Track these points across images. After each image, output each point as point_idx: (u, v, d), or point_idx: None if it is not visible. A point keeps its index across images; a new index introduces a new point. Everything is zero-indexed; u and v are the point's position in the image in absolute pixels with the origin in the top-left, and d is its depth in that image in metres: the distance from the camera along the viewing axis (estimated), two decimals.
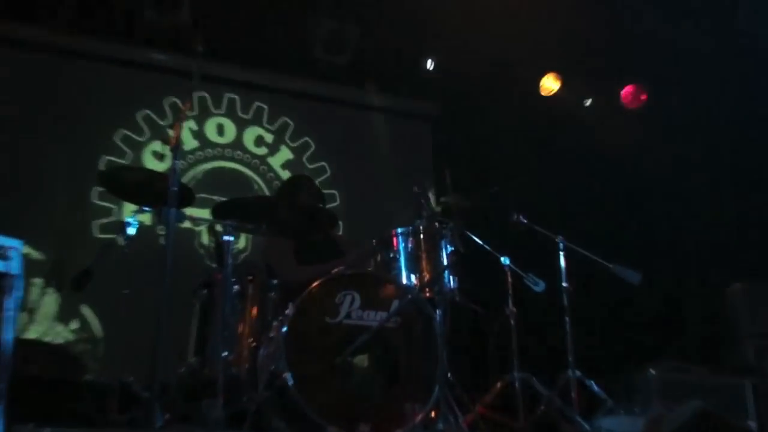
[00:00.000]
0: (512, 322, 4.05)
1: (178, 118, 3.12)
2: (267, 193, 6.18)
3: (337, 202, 6.46)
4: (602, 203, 6.28)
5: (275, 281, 3.87)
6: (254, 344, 3.61)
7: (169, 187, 2.93)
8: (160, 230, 5.62)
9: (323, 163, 6.55)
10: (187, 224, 5.56)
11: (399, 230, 3.81)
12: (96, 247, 5.13)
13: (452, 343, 3.62)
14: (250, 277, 3.79)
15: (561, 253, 4.26)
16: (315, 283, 3.29)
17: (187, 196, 3.79)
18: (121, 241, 3.90)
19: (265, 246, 4.55)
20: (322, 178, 6.48)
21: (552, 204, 5.69)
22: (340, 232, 6.14)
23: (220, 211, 3.64)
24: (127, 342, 4.72)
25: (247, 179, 6.21)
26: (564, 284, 4.16)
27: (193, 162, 6.04)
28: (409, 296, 3.34)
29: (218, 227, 3.99)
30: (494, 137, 6.55)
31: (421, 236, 3.77)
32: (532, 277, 3.97)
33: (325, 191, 6.01)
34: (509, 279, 4.09)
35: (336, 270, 3.43)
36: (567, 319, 4.09)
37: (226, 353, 3.34)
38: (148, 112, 5.96)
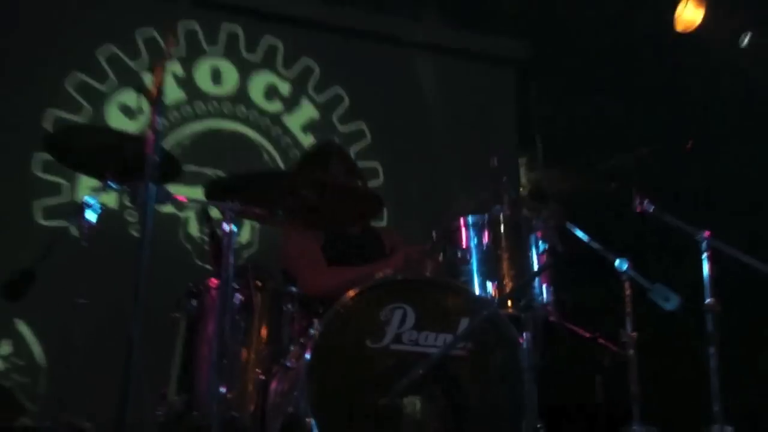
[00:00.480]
0: (631, 351, 4.03)
1: (160, 58, 3.18)
2: (282, 165, 6.25)
3: (380, 180, 6.54)
4: (766, 187, 6.21)
5: (294, 288, 3.92)
6: (263, 377, 3.67)
7: (147, 155, 2.99)
8: (132, 216, 5.75)
9: (361, 125, 6.61)
10: (169, 208, 5.72)
11: (470, 219, 3.83)
12: (39, 238, 5.25)
13: (544, 381, 3.63)
14: (259, 283, 3.85)
15: (704, 256, 4.22)
16: (351, 293, 3.34)
17: (170, 168, 3.89)
18: (74, 230, 4.01)
19: (283, 240, 4.62)
20: (359, 145, 6.55)
21: (691, 186, 5.65)
22: (384, 222, 6.21)
23: (216, 191, 3.71)
24: (81, 373, 4.82)
25: (254, 146, 6.32)
26: (708, 300, 4.13)
27: (177, 121, 6.16)
28: (485, 313, 3.36)
29: (214, 213, 4.08)
30: (605, 91, 6.52)
31: (502, 228, 3.80)
32: (661, 288, 3.94)
33: (363, 164, 6.10)
34: (627, 291, 4.07)
35: (380, 275, 3.46)
36: (712, 350, 4.06)
37: (223, 389, 3.40)
38: (113, 49, 6.07)
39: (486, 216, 3.85)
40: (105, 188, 3.79)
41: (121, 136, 3.82)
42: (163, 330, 3.97)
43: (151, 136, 3.05)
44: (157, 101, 3.09)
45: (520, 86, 6.98)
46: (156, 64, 3.17)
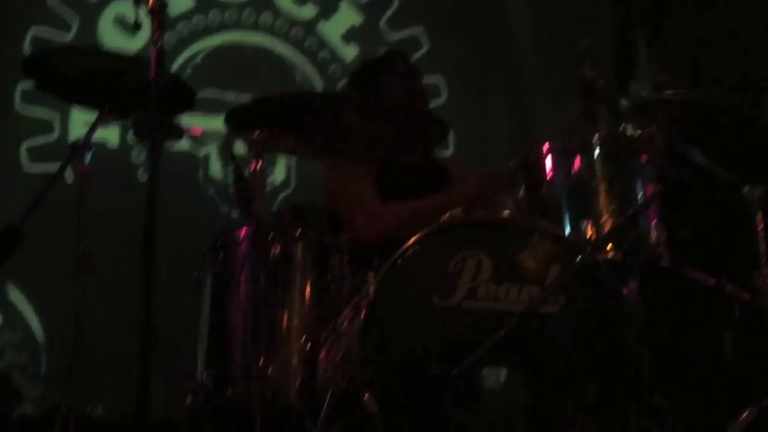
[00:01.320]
0: (766, 302, 4.03)
1: None
2: (319, 85, 6.29)
3: (442, 98, 6.54)
4: None
5: (343, 236, 3.97)
6: (310, 345, 3.73)
7: (152, 81, 3.02)
8: (139, 157, 5.83)
9: (416, 30, 6.61)
10: (184, 144, 5.79)
11: (555, 144, 3.83)
12: (27, 186, 5.35)
13: (659, 342, 3.64)
14: (299, 231, 3.90)
15: None
16: (413, 238, 3.37)
17: (181, 96, 3.94)
18: (69, 176, 4.08)
19: (325, 176, 4.65)
20: (416, 56, 6.54)
21: None
22: (450, 151, 6.24)
23: (238, 120, 3.75)
24: (88, 349, 4.93)
25: (284, 62, 6.35)
26: None
27: (187, 36, 6.20)
28: (580, 258, 3.37)
29: (238, 148, 4.12)
30: None
31: (597, 152, 3.79)
32: None
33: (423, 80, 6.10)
34: (760, 225, 4.05)
35: (448, 215, 3.48)
36: None
37: (261, 362, 3.47)
38: None
39: (576, 138, 3.83)
40: (102, 123, 3.86)
41: (118, 58, 3.87)
42: (186, 294, 4.07)
43: (154, 56, 3.05)
44: (161, 12, 3.07)
45: None
46: None
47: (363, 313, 3.31)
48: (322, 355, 3.67)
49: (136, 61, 3.71)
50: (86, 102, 4.16)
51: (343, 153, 4.11)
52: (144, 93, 3.04)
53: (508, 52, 6.65)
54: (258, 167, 3.55)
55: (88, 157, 3.84)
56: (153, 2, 3.09)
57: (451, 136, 6.31)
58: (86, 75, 3.85)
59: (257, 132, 3.56)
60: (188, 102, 4.06)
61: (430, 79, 6.46)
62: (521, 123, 6.33)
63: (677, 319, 4.64)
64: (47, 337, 5.57)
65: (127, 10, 5.94)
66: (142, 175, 5.84)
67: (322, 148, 3.82)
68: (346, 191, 4.46)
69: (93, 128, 3.85)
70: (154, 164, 2.90)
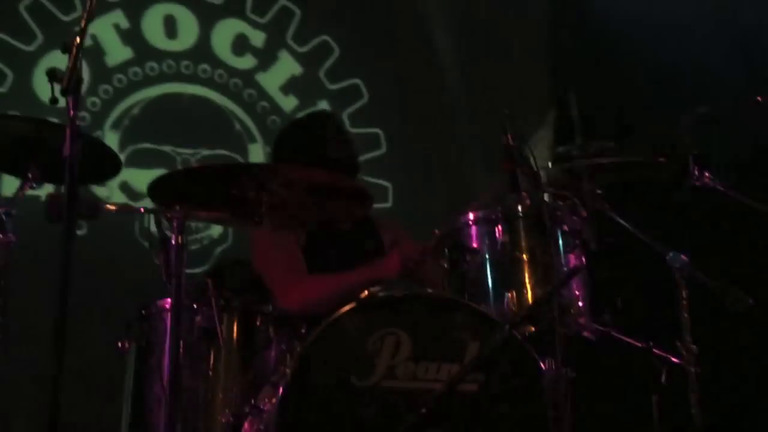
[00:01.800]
0: (692, 369, 4.04)
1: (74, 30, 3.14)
2: (258, 135, 6.25)
3: (381, 150, 6.56)
4: None
5: (270, 306, 3.96)
6: (233, 420, 3.70)
7: (67, 162, 2.98)
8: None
9: (355, 81, 6.62)
10: (119, 196, 5.77)
11: (479, 213, 3.83)
12: None
13: (588, 415, 3.64)
14: (223, 302, 3.87)
15: None
16: (332, 317, 3.36)
17: (106, 165, 3.92)
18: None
19: (252, 241, 4.63)
20: (355, 106, 6.55)
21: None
22: (389, 203, 6.25)
23: (160, 192, 3.73)
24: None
25: (223, 113, 6.33)
26: None
27: (124, 86, 6.16)
28: (499, 335, 3.36)
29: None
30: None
31: (521, 223, 3.79)
32: (726, 288, 3.95)
33: (361, 130, 6.14)
34: (684, 293, 4.08)
35: (366, 292, 3.47)
36: None
37: None
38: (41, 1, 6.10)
39: (500, 208, 3.83)
40: (27, 189, 3.82)
41: (40, 124, 3.82)
42: (111, 360, 4.04)
43: (68, 135, 3.00)
44: (73, 89, 3.03)
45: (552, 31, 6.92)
46: (70, 39, 3.09)
47: (281, 392, 3.28)
48: (245, 427, 3.64)
49: (59, 128, 3.65)
50: (8, 169, 4.13)
51: (269, 222, 4.08)
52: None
53: (444, 106, 6.63)
54: (179, 241, 3.51)
55: (9, 226, 3.78)
56: (66, 82, 3.00)
57: (389, 189, 6.34)
58: (8, 142, 3.80)
59: (176, 207, 3.52)
60: (113, 169, 4.06)
61: (369, 130, 6.50)
62: (460, 176, 6.32)
63: (605, 386, 4.66)
64: None
65: (63, 63, 5.99)
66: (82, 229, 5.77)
67: (245, 219, 3.76)
68: (273, 260, 4.42)
69: (15, 197, 3.80)
70: (67, 251, 2.84)
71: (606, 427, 4.80)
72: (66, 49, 3.07)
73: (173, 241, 3.52)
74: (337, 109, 6.45)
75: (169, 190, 3.74)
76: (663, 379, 4.22)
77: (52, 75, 3.11)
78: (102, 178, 4.37)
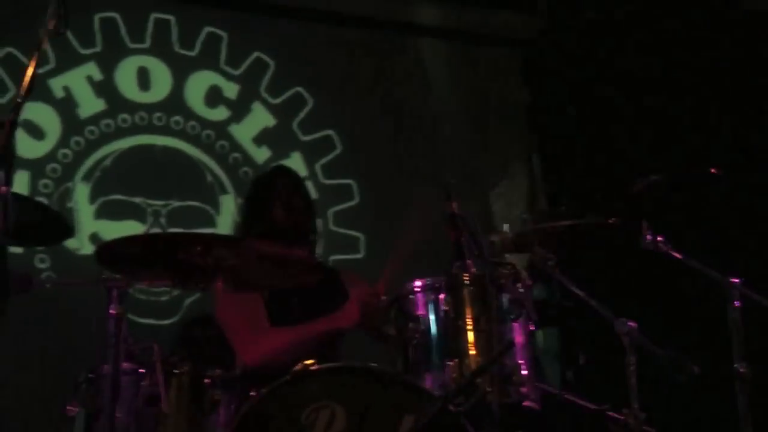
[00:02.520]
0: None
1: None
2: (230, 187, 6.27)
3: (354, 201, 6.58)
4: None
5: (217, 370, 3.94)
6: None
7: None
8: (43, 262, 5.82)
9: (329, 132, 6.66)
10: (87, 248, 5.78)
11: (424, 281, 3.82)
12: None
13: None
14: (169, 367, 3.86)
15: (734, 307, 4.22)
16: (266, 389, 3.39)
17: (59, 229, 3.94)
18: None
19: (214, 298, 4.62)
20: (328, 157, 6.57)
21: (720, 217, 5.59)
22: (362, 253, 6.25)
23: (107, 258, 3.74)
24: None
25: (195, 165, 6.35)
26: (736, 365, 4.12)
27: (96, 137, 6.19)
28: (433, 408, 3.35)
29: None
30: (642, 82, 6.46)
31: (465, 291, 3.78)
32: (671, 356, 3.94)
33: (334, 181, 6.16)
34: (631, 359, 4.07)
35: (300, 365, 3.47)
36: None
37: None
38: (10, 50, 6.12)
39: (444, 276, 3.82)
40: None
41: None
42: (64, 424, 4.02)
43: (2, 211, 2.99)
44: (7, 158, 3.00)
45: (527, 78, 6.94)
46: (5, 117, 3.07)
47: None
48: None
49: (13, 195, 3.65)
50: None
51: (221, 284, 4.10)
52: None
53: (416, 157, 6.65)
54: (119, 312, 3.53)
55: None
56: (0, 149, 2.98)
57: (361, 239, 6.36)
58: None
59: (116, 274, 3.53)
60: (63, 233, 4.09)
61: (341, 181, 6.52)
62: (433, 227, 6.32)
63: None
64: None
65: (36, 114, 6.04)
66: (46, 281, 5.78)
67: (192, 284, 3.77)
68: (231, 316, 4.43)
69: None
70: None
71: None
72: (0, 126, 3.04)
73: (112, 311, 3.53)
74: (310, 160, 6.49)
75: (115, 257, 3.73)
76: None
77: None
78: (52, 241, 4.38)
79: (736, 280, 4.23)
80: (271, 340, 4.31)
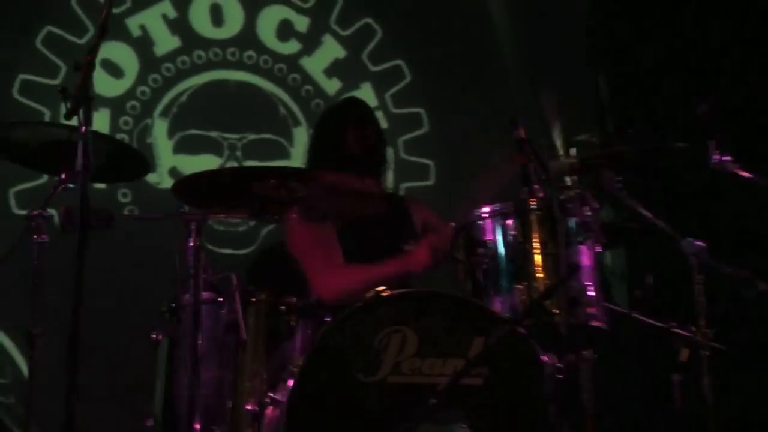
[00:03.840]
0: (705, 353, 4.04)
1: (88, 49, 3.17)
2: (302, 119, 6.30)
3: (424, 128, 6.57)
4: None
5: (293, 298, 4.00)
6: (257, 409, 3.77)
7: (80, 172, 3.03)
8: (125, 196, 5.93)
9: (398, 62, 6.65)
10: (166, 182, 5.87)
11: (492, 207, 3.85)
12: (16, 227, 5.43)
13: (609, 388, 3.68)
14: (246, 295, 3.93)
15: None
16: (340, 316, 3.46)
17: (135, 164, 4.02)
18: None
19: (287, 233, 4.66)
20: (398, 87, 6.58)
21: None
22: (432, 181, 6.28)
23: (185, 192, 3.80)
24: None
25: (268, 98, 6.39)
26: None
27: (173, 75, 6.24)
28: (501, 330, 3.39)
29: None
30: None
31: (533, 216, 3.79)
32: (739, 274, 3.93)
33: (405, 110, 6.30)
34: (698, 279, 4.07)
35: (373, 292, 3.52)
36: None
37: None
38: None
39: (512, 201, 3.84)
40: (59, 190, 3.90)
41: (72, 130, 3.88)
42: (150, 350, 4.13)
43: (82, 148, 3.04)
44: (83, 106, 3.04)
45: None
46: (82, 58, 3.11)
47: (291, 386, 3.38)
48: (267, 415, 3.71)
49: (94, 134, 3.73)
50: (45, 170, 4.24)
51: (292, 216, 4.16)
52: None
53: (486, 86, 6.61)
54: (197, 244, 3.59)
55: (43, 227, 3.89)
56: (73, 102, 3.03)
57: (432, 167, 6.38)
58: (44, 146, 3.89)
59: (192, 208, 3.59)
60: (142, 169, 4.17)
61: (412, 110, 6.54)
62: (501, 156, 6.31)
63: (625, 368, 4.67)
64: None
65: (114, 53, 6.11)
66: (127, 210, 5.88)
67: (266, 217, 3.83)
68: (306, 250, 4.46)
69: (48, 200, 3.89)
70: (80, 260, 2.90)
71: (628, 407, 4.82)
72: (77, 67, 3.09)
73: (190, 243, 3.60)
74: (379, 90, 6.50)
75: (192, 191, 3.80)
76: (682, 357, 4.22)
77: (63, 93, 3.18)
78: (132, 177, 4.46)
79: None
80: (345, 278, 4.33)
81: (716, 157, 4.31)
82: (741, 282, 4.01)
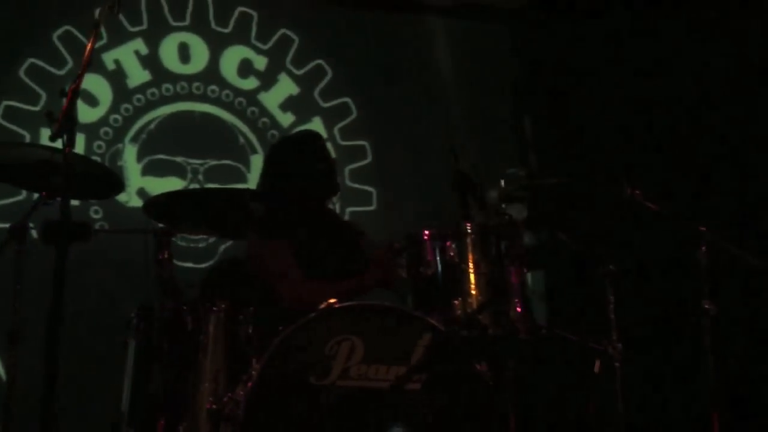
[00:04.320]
0: (616, 364, 4.08)
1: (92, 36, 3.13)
2: (259, 148, 6.29)
3: (368, 159, 6.56)
4: None
5: (249, 309, 3.95)
6: (216, 407, 3.72)
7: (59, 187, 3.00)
8: (96, 213, 5.85)
9: (346, 99, 6.66)
10: (135, 201, 5.81)
11: (433, 231, 3.84)
12: None
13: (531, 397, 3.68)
14: (209, 305, 3.89)
15: (702, 251, 4.22)
16: (294, 325, 3.42)
17: (109, 183, 3.97)
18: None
19: (249, 251, 4.55)
20: (345, 121, 6.58)
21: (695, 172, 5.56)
22: (374, 205, 6.27)
23: (156, 208, 3.75)
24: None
25: (228, 128, 6.34)
26: (706, 305, 4.14)
27: (143, 105, 6.18)
28: (441, 340, 3.39)
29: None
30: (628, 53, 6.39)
31: (468, 239, 3.79)
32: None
33: (351, 142, 6.31)
34: (610, 298, 4.11)
35: (325, 303, 3.50)
36: (711, 362, 4.09)
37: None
38: (69, 28, 6.11)
39: (451, 225, 3.84)
40: (39, 207, 3.84)
41: (54, 151, 3.83)
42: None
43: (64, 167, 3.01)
44: (65, 129, 3.00)
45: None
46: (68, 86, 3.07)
47: (249, 387, 3.34)
48: (225, 414, 3.65)
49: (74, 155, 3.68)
50: (26, 186, 4.20)
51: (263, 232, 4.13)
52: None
53: (425, 120, 6.66)
54: (165, 256, 3.55)
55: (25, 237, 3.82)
56: (57, 126, 2.99)
57: (374, 194, 6.40)
58: (29, 165, 3.85)
59: (159, 225, 3.55)
60: (115, 188, 4.12)
61: (357, 142, 6.55)
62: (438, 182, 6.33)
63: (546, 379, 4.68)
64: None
65: (90, 84, 6.04)
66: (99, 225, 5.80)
67: (230, 233, 3.80)
68: (270, 267, 4.37)
69: (29, 213, 3.82)
70: (59, 269, 2.85)
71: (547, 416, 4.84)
72: (63, 94, 3.06)
73: (159, 256, 3.56)
74: (329, 124, 6.51)
75: (160, 209, 3.76)
76: (595, 369, 4.25)
77: (49, 117, 3.13)
78: (107, 194, 4.40)
79: (704, 228, 4.24)
80: (316, 292, 4.23)
81: (628, 191, 4.36)
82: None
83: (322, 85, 6.60)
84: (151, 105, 6.22)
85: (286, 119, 6.46)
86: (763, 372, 4.92)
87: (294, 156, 4.57)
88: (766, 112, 5.40)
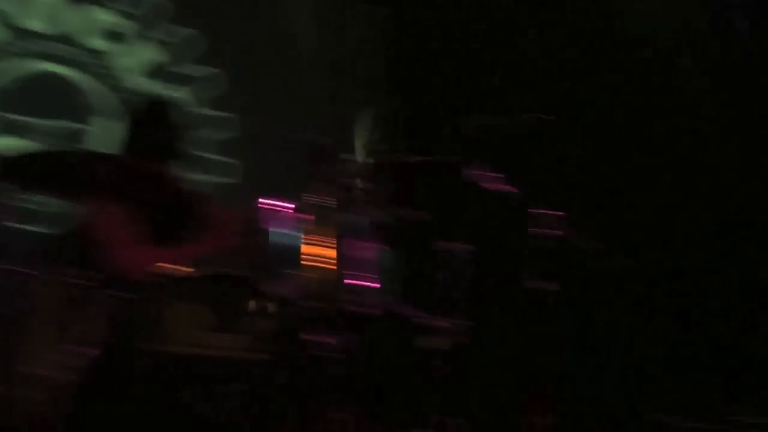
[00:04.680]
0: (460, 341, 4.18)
1: None
2: (109, 111, 6.18)
3: (234, 132, 6.57)
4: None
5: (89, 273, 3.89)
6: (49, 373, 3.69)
7: None
8: None
9: (214, 70, 6.62)
10: None
11: (277, 202, 3.87)
12: None
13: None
14: (44, 271, 3.85)
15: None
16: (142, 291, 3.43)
17: None
18: None
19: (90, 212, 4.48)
20: (213, 92, 6.54)
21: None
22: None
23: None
24: None
25: (79, 92, 6.21)
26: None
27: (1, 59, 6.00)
28: (281, 312, 3.39)
29: None
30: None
31: (313, 211, 3.83)
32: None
33: (217, 113, 6.33)
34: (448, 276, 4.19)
35: (167, 271, 3.50)
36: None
37: None
38: None
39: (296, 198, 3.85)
40: None
41: None
42: None
43: None
44: None
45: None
46: None
47: (89, 354, 3.35)
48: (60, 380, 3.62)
49: None
50: None
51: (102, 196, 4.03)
52: None
53: (296, 92, 6.70)
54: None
55: None
56: None
57: (241, 168, 6.36)
58: None
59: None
60: None
61: (224, 114, 6.49)
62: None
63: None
64: None
65: None
66: None
67: (75, 197, 3.72)
68: (106, 233, 4.27)
69: None
70: None
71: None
72: None
73: None
74: (195, 94, 6.45)
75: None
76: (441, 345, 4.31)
77: None
78: None
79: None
80: (153, 258, 4.16)
81: (476, 170, 4.40)
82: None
83: (190, 54, 6.51)
84: (8, 61, 6.00)
85: (148, 85, 6.35)
86: None
87: (134, 122, 4.52)
88: None
